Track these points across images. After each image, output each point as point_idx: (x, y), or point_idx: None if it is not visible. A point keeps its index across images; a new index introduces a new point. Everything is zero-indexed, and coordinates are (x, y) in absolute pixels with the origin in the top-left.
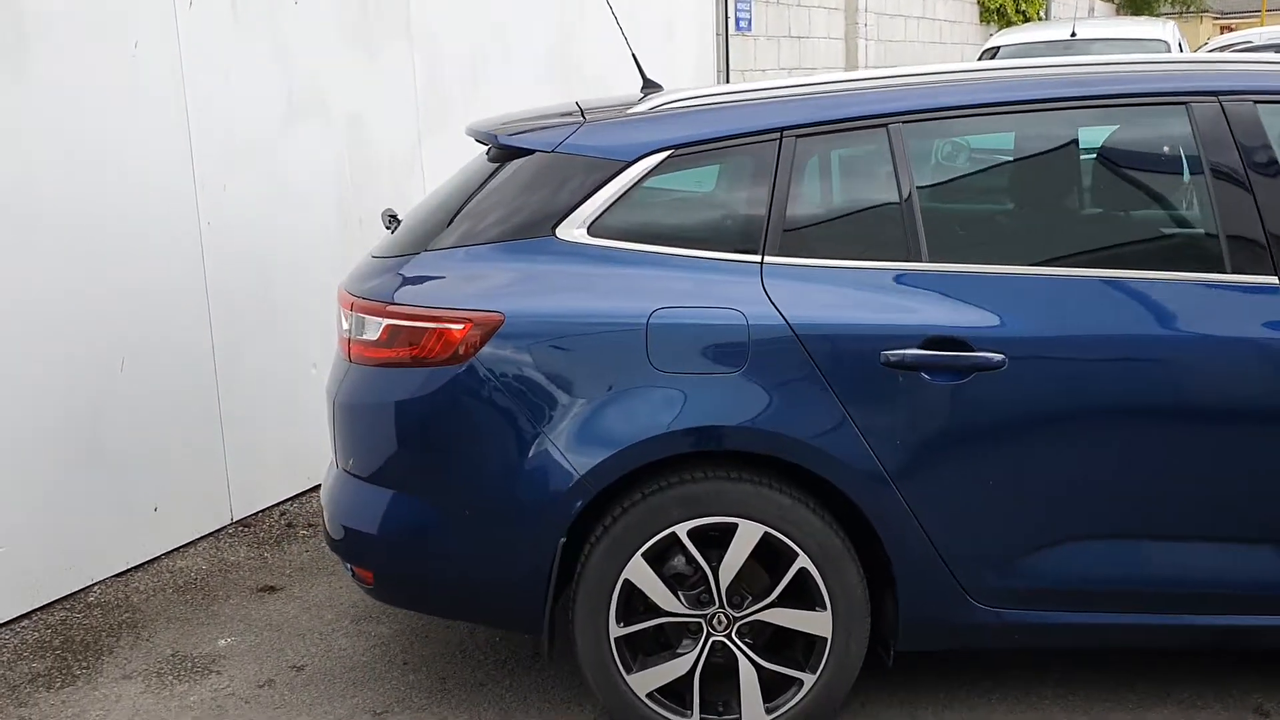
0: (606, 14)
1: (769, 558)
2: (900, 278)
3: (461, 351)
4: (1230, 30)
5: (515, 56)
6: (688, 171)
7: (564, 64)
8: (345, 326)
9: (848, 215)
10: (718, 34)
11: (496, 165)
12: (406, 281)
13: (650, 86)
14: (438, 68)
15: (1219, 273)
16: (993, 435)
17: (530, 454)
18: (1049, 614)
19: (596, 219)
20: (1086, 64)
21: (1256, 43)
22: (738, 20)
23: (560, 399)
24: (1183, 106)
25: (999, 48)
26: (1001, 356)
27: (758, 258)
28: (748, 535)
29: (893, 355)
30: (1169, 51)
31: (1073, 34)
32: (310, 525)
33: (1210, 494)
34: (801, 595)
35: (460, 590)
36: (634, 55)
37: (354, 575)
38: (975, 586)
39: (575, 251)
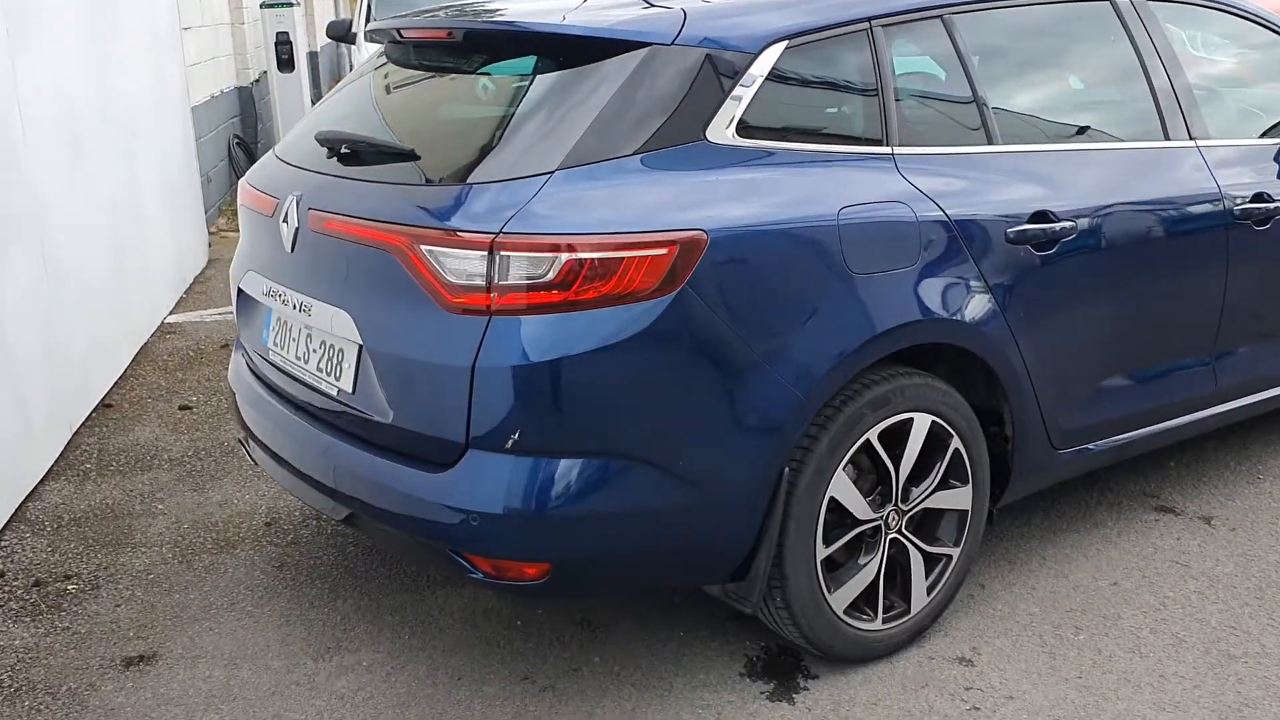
0: None
1: (926, 446)
2: (994, 159)
3: (667, 280)
4: None
5: None
6: (800, 63)
7: None
8: (460, 271)
9: (935, 105)
10: None
11: (566, 67)
12: (552, 209)
13: None
14: None
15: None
16: (1070, 292)
17: (750, 383)
18: (1100, 443)
19: (741, 118)
20: None
21: None
22: None
23: (770, 318)
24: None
25: None
26: (1072, 224)
27: (888, 149)
28: (921, 427)
29: (1012, 232)
30: None
31: None
32: None
33: (1186, 324)
34: (946, 476)
35: (663, 553)
36: None
37: (489, 575)
38: (1056, 431)
39: (734, 154)
